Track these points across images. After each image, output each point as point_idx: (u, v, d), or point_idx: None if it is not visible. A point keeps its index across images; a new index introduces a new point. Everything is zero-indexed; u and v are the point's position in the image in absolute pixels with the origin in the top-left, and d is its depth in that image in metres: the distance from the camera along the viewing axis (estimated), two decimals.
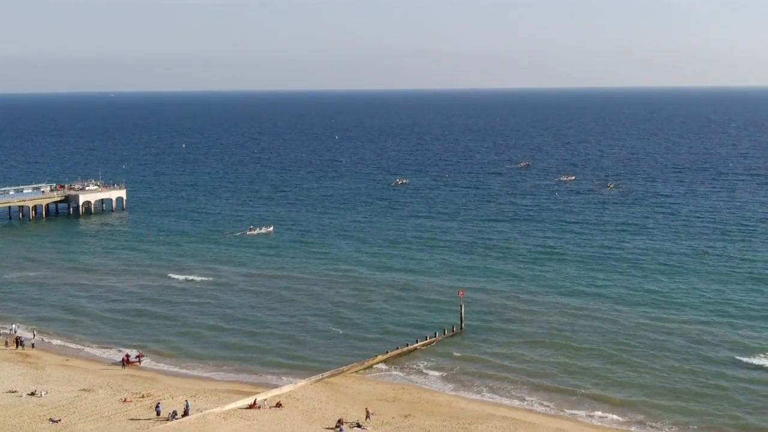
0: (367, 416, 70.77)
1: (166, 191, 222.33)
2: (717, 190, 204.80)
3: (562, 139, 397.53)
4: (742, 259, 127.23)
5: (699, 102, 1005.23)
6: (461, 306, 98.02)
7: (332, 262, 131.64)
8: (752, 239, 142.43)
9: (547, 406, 76.21)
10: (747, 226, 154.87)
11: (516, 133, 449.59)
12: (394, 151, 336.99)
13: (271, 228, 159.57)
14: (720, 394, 77.24)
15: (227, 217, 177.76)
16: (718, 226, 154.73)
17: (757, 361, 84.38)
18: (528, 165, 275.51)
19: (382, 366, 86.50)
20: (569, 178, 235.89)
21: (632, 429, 71.21)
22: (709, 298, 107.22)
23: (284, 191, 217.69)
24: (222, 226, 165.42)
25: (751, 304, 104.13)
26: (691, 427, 71.17)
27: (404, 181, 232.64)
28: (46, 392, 78.24)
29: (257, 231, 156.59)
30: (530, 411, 75.07)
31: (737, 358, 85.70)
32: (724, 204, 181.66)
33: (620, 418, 73.07)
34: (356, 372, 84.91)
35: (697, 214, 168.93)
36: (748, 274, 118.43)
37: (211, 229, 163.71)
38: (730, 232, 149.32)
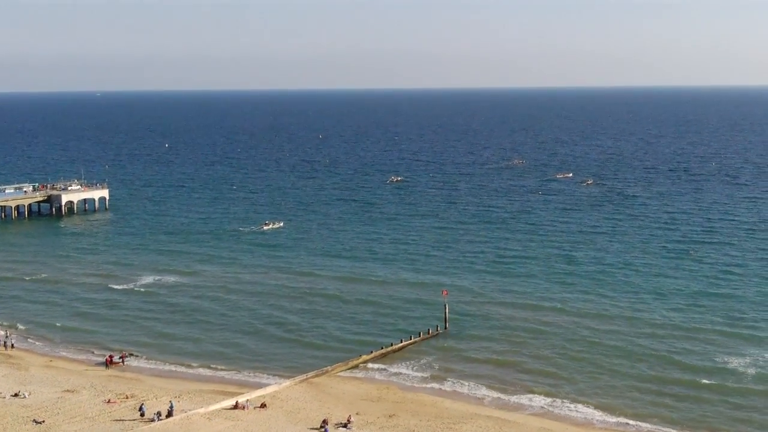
0: (349, 421, 70.59)
1: (149, 191, 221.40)
2: (690, 191, 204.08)
3: (538, 138, 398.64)
4: (719, 263, 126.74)
5: (683, 101, 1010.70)
6: (445, 305, 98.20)
7: (318, 264, 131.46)
8: (734, 242, 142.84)
9: (532, 405, 76.58)
10: (726, 228, 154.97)
11: (499, 133, 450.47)
12: (381, 151, 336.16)
13: (282, 223, 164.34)
14: (702, 396, 77.84)
15: (212, 217, 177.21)
16: (700, 227, 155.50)
17: (729, 366, 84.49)
18: (522, 162, 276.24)
19: (367, 366, 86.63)
20: (566, 175, 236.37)
21: (616, 429, 71.61)
22: (694, 302, 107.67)
23: (270, 192, 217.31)
24: (208, 226, 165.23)
25: (726, 309, 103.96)
26: (672, 426, 71.77)
27: (399, 178, 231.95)
28: (30, 393, 77.94)
29: (270, 226, 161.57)
30: (514, 410, 75.41)
31: (718, 360, 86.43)
32: (699, 205, 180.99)
33: (604, 418, 73.48)
34: (341, 372, 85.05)
35: (673, 214, 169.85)
36: (716, 278, 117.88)
37: (192, 230, 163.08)
38: (705, 234, 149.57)
